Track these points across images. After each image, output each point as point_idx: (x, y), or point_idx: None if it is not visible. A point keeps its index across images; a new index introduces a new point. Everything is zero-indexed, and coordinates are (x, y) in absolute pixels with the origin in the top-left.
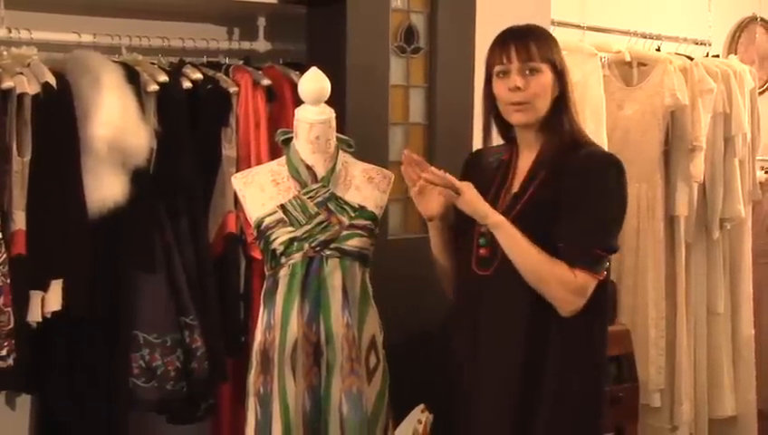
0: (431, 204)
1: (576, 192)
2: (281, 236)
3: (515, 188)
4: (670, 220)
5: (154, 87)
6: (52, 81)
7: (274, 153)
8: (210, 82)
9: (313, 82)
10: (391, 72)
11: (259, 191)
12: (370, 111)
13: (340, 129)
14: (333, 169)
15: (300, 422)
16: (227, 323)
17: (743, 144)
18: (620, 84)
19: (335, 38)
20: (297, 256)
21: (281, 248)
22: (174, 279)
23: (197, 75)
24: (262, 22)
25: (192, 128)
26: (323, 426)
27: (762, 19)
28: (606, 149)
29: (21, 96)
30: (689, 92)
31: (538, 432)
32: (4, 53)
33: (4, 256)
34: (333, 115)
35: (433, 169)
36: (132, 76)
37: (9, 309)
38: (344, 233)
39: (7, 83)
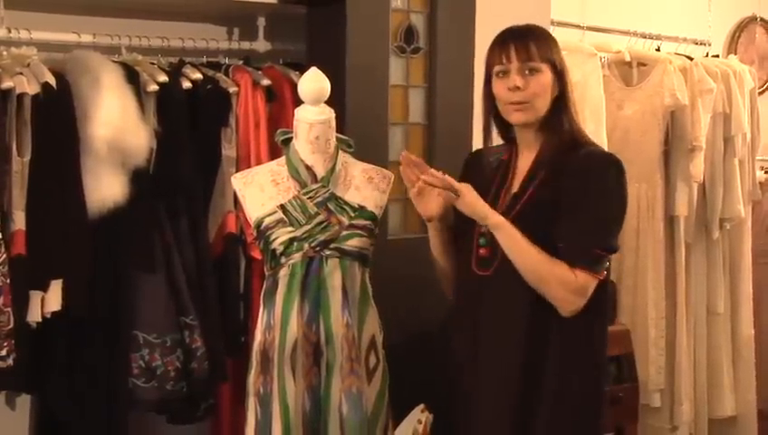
0: (430, 205)
1: (576, 192)
2: (280, 237)
3: (515, 188)
4: (670, 220)
5: (154, 87)
6: (52, 81)
7: (274, 153)
8: (210, 82)
9: (313, 82)
10: (391, 72)
11: (259, 191)
12: (370, 111)
13: (339, 129)
14: (333, 169)
15: (300, 422)
16: (227, 323)
17: (742, 144)
18: (620, 84)
19: (335, 38)
20: (297, 257)
21: (280, 248)
22: (174, 279)
23: (197, 75)
24: (262, 22)
25: (192, 128)
26: (323, 426)
27: (761, 19)
28: (606, 149)
29: (21, 96)
30: (689, 92)
31: (538, 432)
32: (4, 53)
33: (4, 256)
34: (333, 115)
35: (432, 170)
36: (132, 76)
37: (9, 309)
38: (344, 233)
39: (7, 83)
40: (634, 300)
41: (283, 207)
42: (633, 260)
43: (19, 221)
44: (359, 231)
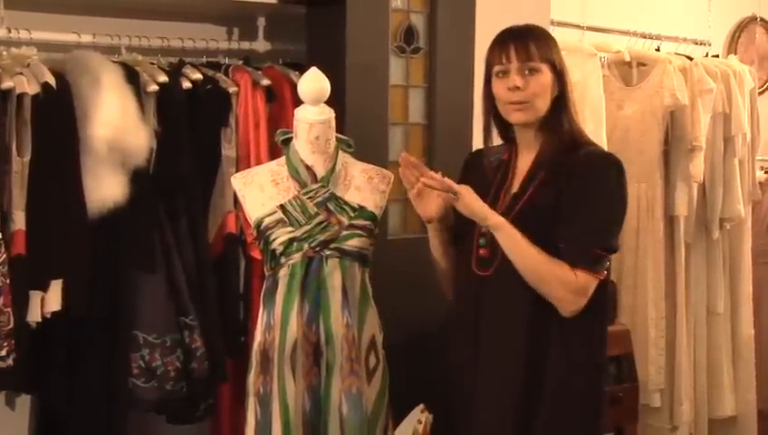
0: (430, 206)
1: (576, 192)
2: (280, 237)
3: (515, 188)
4: (670, 220)
5: (154, 87)
6: (52, 81)
7: (274, 153)
8: (210, 83)
9: (313, 83)
10: (391, 72)
11: (259, 191)
12: (370, 111)
13: (339, 129)
14: (333, 169)
15: (299, 422)
16: (227, 323)
17: (742, 144)
18: (620, 84)
19: (335, 38)
20: (297, 257)
21: (280, 248)
22: (174, 279)
23: (197, 75)
24: (261, 22)
25: (192, 128)
26: (323, 426)
27: (761, 19)
28: (606, 149)
29: (20, 96)
30: (689, 92)
31: (538, 432)
32: (4, 53)
33: (4, 256)
34: (333, 115)
35: (431, 172)
36: (132, 76)
37: (9, 309)
38: (344, 233)
39: (7, 83)
40: (634, 300)
41: (282, 207)
42: (633, 260)
43: (19, 221)
44: (358, 231)
